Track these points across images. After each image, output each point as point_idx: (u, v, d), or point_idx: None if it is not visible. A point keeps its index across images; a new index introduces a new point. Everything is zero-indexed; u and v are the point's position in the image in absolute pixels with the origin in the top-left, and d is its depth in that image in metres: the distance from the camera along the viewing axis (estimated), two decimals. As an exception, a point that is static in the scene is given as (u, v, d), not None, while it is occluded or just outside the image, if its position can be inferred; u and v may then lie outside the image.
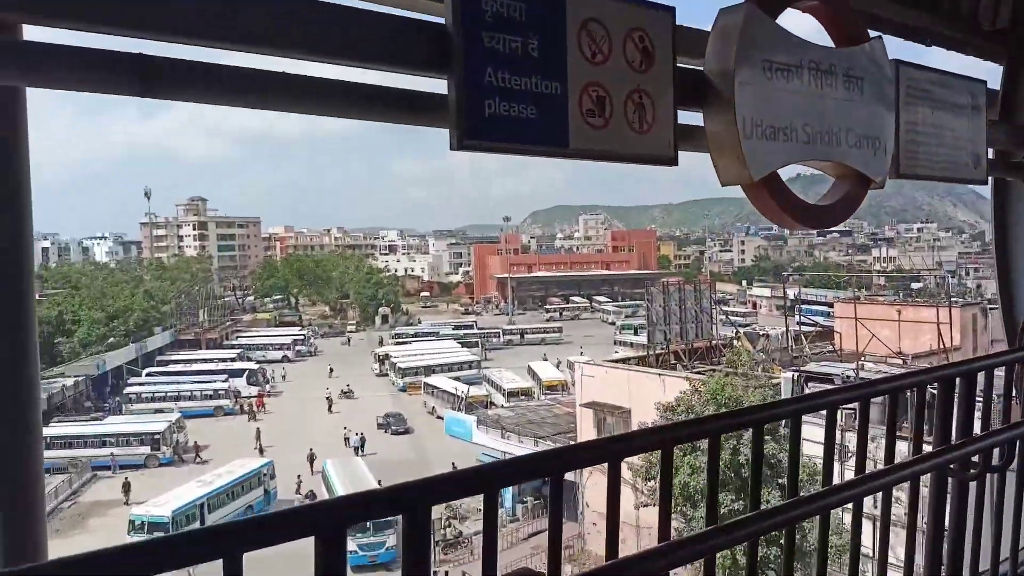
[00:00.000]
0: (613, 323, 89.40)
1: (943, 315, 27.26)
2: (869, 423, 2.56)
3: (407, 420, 48.61)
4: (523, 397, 47.98)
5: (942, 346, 26.57)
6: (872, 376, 23.51)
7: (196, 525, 30.20)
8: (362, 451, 42.58)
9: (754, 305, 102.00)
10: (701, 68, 3.13)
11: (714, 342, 36.66)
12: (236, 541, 1.19)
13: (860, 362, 24.90)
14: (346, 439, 44.31)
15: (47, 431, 43.32)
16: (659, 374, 29.51)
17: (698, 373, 29.46)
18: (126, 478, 37.91)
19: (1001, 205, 5.74)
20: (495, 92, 2.39)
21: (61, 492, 37.67)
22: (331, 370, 66.15)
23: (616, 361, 36.17)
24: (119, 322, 67.68)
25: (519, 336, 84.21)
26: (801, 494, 2.20)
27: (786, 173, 3.71)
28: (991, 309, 34.13)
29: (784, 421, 2.24)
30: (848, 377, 23.94)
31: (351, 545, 28.09)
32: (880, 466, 2.40)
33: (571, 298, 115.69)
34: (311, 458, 40.13)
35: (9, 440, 1.48)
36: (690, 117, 3.19)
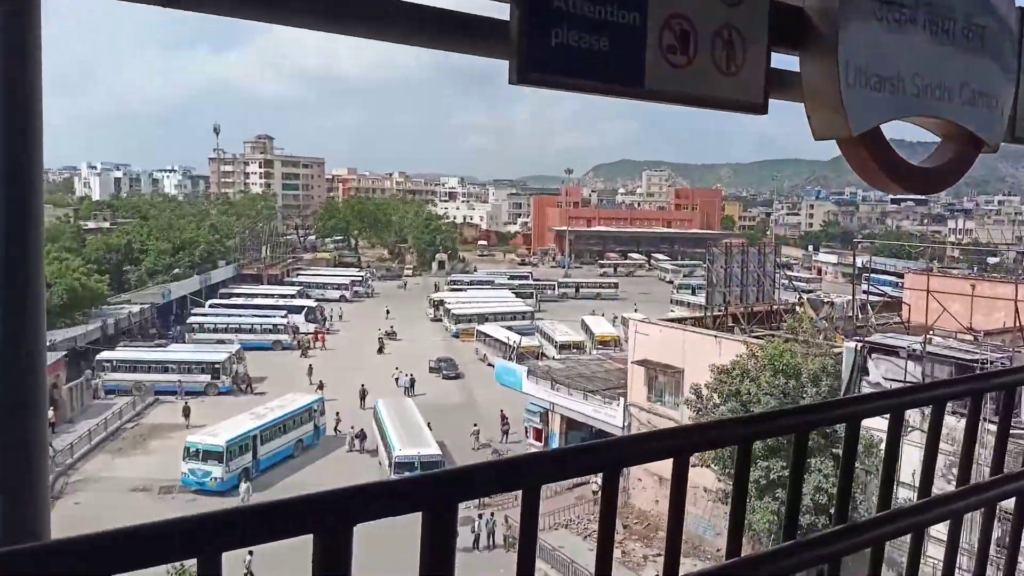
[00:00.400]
0: (671, 282, 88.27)
1: (1021, 292, 25.90)
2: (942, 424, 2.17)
3: (458, 365, 49.09)
4: (575, 350, 47.89)
5: (1019, 324, 25.32)
6: (941, 351, 22.62)
7: (248, 456, 30.32)
8: (411, 392, 43.39)
9: (819, 271, 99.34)
10: (800, 5, 2.73)
11: (775, 307, 35.75)
12: (210, 537, 0.96)
13: (928, 336, 23.90)
14: (396, 379, 45.10)
15: (114, 354, 45.16)
16: (715, 336, 28.95)
17: (756, 337, 28.82)
18: (186, 403, 39.29)
19: None
20: (563, 19, 2.07)
21: (125, 413, 39.24)
22: (387, 311, 67.25)
23: (672, 320, 35.63)
24: (185, 254, 69.52)
25: (574, 290, 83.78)
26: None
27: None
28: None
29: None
30: (915, 350, 23.04)
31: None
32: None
33: (629, 254, 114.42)
34: (362, 394, 41.27)
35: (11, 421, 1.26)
36: (784, 61, 2.81)
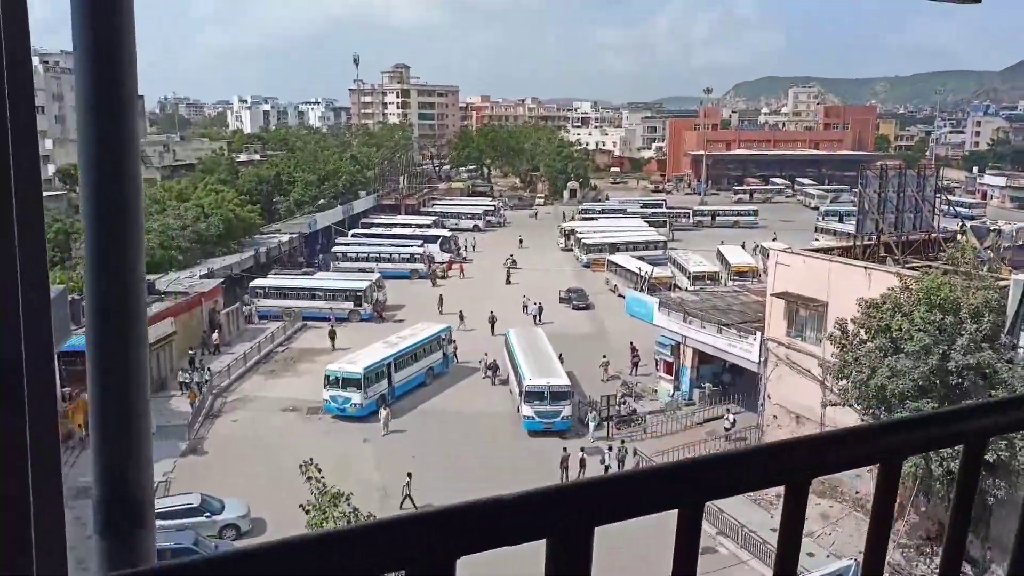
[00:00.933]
0: (816, 208, 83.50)
1: None
2: None
3: (588, 296, 48.87)
4: (709, 282, 46.45)
5: None
6: None
7: (384, 383, 31.71)
8: (539, 320, 44.09)
9: (984, 196, 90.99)
10: None
11: (933, 235, 32.99)
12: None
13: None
14: (524, 307, 46.10)
15: (265, 281, 48.03)
16: (865, 267, 27.04)
17: (911, 269, 26.72)
18: (332, 328, 41.42)
19: None
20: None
21: (276, 338, 41.86)
22: (520, 241, 67.92)
23: (816, 250, 33.69)
24: (329, 185, 72.29)
25: (710, 218, 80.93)
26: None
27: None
28: None
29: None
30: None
31: (528, 411, 29.23)
32: None
33: (771, 179, 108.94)
34: (492, 320, 42.51)
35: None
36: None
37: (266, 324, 43.63)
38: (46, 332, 1.12)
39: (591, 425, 29.49)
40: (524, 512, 0.84)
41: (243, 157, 79.99)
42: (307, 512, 16.19)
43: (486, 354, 36.85)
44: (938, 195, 34.28)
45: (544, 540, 0.85)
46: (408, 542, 0.78)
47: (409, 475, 24.85)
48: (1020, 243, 34.62)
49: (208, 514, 23.45)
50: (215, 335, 40.26)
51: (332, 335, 40.62)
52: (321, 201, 69.90)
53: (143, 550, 1.04)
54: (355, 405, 31.26)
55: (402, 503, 24.28)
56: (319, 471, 16.75)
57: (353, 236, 64.97)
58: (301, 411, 32.46)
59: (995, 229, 38.94)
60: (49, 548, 1.08)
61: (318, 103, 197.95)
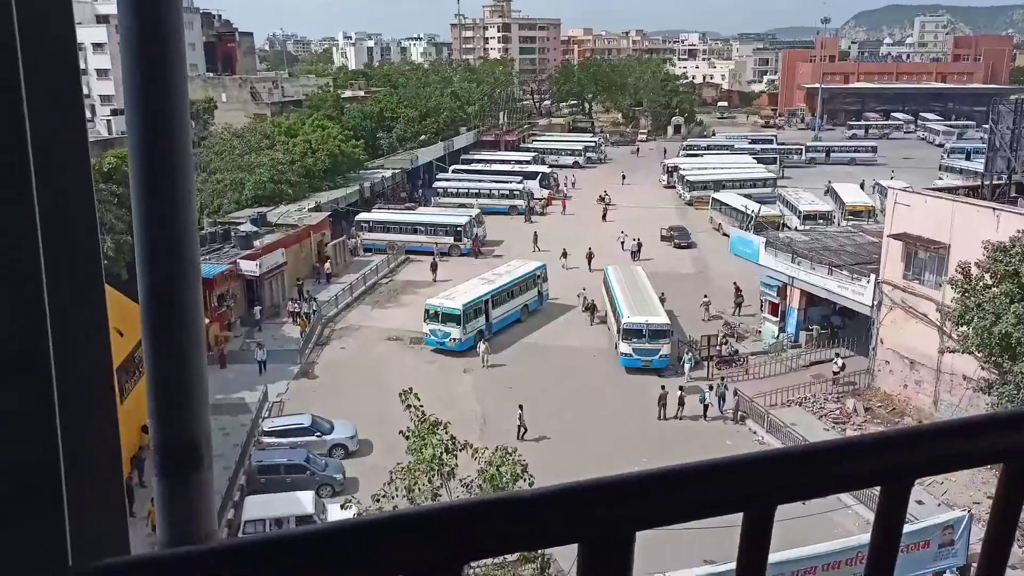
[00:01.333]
0: (940, 145, 78.12)
1: None
2: None
3: (691, 234, 47.77)
4: (821, 221, 44.50)
5: None
6: None
7: (481, 319, 32.21)
8: (638, 256, 43.96)
9: None
10: None
11: (1074, 175, 30.37)
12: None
13: None
14: (621, 243, 46.11)
15: (370, 215, 49.17)
16: (994, 208, 25.23)
17: (1046, 210, 24.76)
18: (435, 260, 42.50)
19: None
20: None
21: (380, 270, 43.03)
22: (623, 176, 67.22)
23: (940, 189, 31.64)
24: (430, 121, 72.72)
25: (824, 154, 77.01)
26: None
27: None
28: None
29: None
30: None
31: (626, 348, 29.11)
32: None
33: (892, 114, 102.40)
34: (589, 256, 42.58)
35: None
36: None
37: (370, 256, 44.83)
38: (101, 316, 1.09)
39: (686, 366, 29.08)
40: (552, 513, 0.72)
41: (348, 93, 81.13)
42: (407, 438, 16.74)
43: (584, 289, 36.72)
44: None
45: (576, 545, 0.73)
46: (406, 546, 0.66)
47: (520, 407, 25.38)
48: None
49: (318, 434, 24.69)
50: (327, 265, 41.79)
51: (434, 267, 41.61)
52: (423, 137, 70.49)
53: (200, 493, 1.03)
54: (454, 340, 31.69)
55: (519, 433, 24.82)
56: (418, 399, 17.22)
57: (453, 172, 65.44)
58: (404, 341, 33.46)
59: None
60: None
61: (420, 39, 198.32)
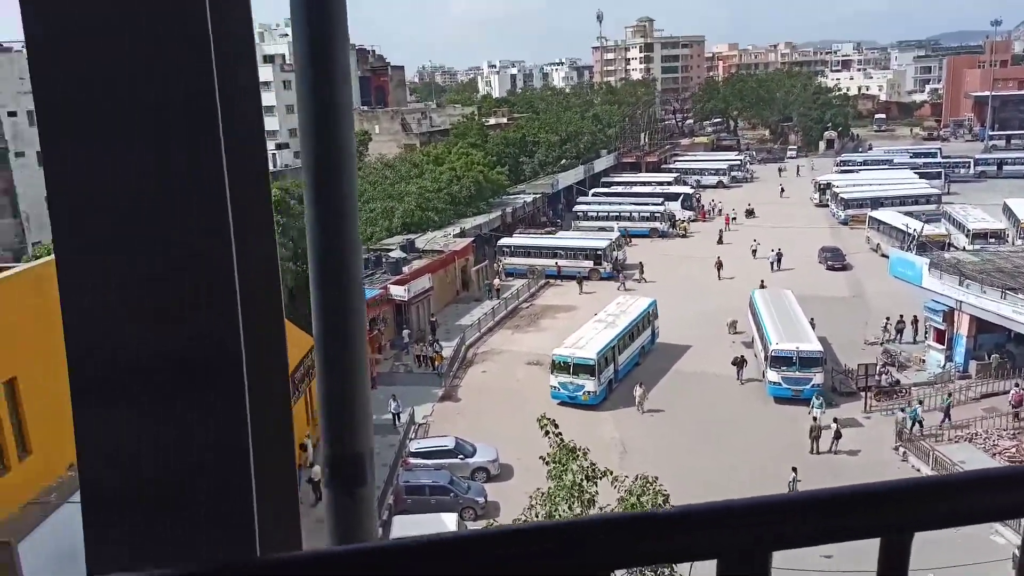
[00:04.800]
0: None
1: None
2: None
3: (845, 255, 45.32)
4: (992, 240, 41.05)
5: None
6: None
7: (611, 368, 30.43)
8: (778, 266, 44.55)
9: None
10: None
11: None
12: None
13: None
14: (753, 251, 47.23)
15: (511, 240, 50.10)
16: None
17: None
18: (580, 277, 44.28)
19: None
20: None
21: (521, 294, 43.65)
22: (782, 190, 67.14)
23: None
24: (571, 145, 73.29)
25: (996, 167, 71.02)
26: None
27: None
28: None
29: None
30: None
31: (775, 376, 27.90)
32: None
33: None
34: (719, 265, 44.16)
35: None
36: None
37: (512, 281, 45.58)
38: (280, 330, 1.21)
39: (815, 410, 26.39)
40: (693, 529, 0.75)
41: (491, 121, 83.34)
42: (547, 463, 16.82)
43: (735, 321, 35.51)
44: None
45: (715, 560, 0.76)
46: (556, 552, 0.71)
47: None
48: None
49: (461, 456, 25.28)
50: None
51: (581, 282, 43.70)
52: (563, 161, 71.09)
53: (365, 505, 1.11)
54: (588, 393, 29.10)
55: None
56: (556, 426, 17.25)
57: (593, 195, 65.52)
58: (543, 364, 33.68)
59: None
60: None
61: (562, 63, 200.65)
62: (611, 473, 16.36)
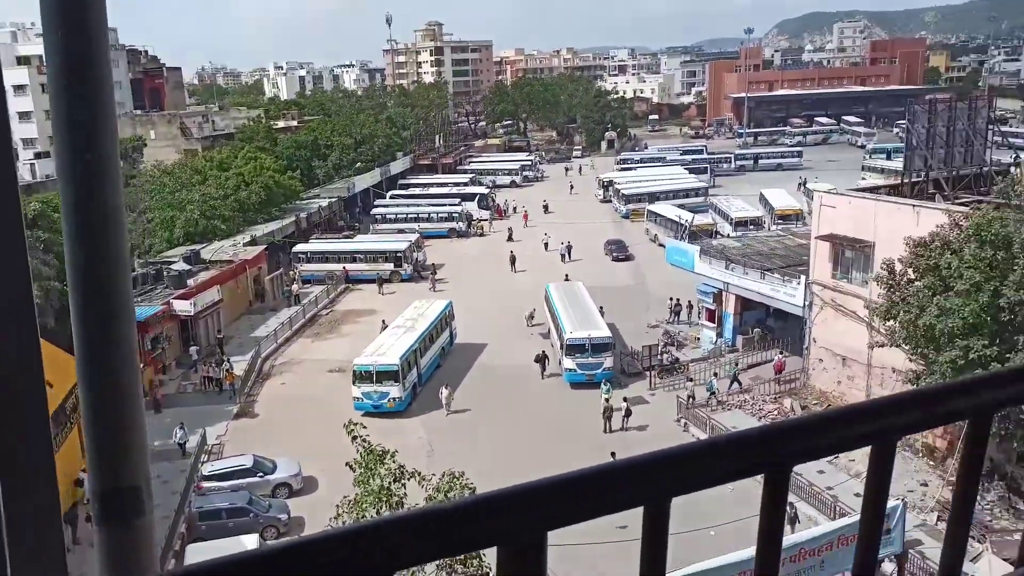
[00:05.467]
0: (862, 147, 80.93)
1: None
2: None
3: (628, 247, 48.45)
4: (752, 227, 45.62)
5: None
6: None
7: (414, 372, 30.19)
8: (569, 258, 47.39)
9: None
10: None
11: (985, 168, 31.75)
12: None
13: None
14: (545, 244, 50.10)
15: (307, 246, 48.60)
16: (913, 205, 26.18)
17: (961, 205, 25.80)
18: (380, 277, 44.00)
19: None
20: None
21: (320, 301, 42.47)
22: (571, 187, 70.89)
23: (862, 189, 32.72)
24: (365, 147, 72.37)
25: (752, 161, 79.14)
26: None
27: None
28: None
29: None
30: None
31: (570, 363, 29.15)
32: None
33: (816, 119, 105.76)
34: (512, 260, 46.33)
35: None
36: None
37: (309, 288, 44.25)
38: (30, 330, 1.08)
39: (604, 387, 28.02)
40: (470, 521, 0.78)
41: (280, 124, 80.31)
42: (353, 470, 16.49)
43: (534, 310, 36.86)
44: (991, 127, 32.92)
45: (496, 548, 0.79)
46: (341, 560, 0.71)
47: (613, 454, 24.63)
48: (1079, 172, 33.03)
49: (261, 474, 24.13)
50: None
51: (381, 284, 43.97)
52: (359, 164, 70.09)
53: (143, 539, 1.03)
54: (394, 399, 28.68)
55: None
56: (364, 429, 16.95)
57: (391, 198, 65.22)
58: (346, 372, 32.96)
59: (1052, 159, 37.18)
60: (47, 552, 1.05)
61: (352, 66, 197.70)
62: (419, 473, 16.34)
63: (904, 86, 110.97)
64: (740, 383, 29.25)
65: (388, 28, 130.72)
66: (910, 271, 22.72)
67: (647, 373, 30.61)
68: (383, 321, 35.57)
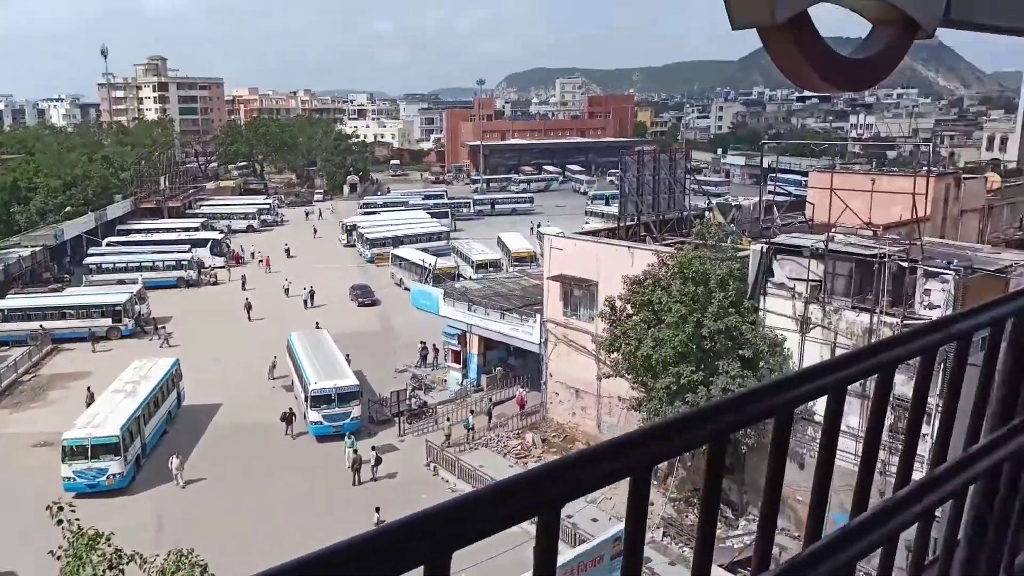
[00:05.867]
0: (585, 193, 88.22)
1: (918, 185, 26.51)
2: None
3: (374, 292, 48.22)
4: (492, 269, 47.55)
5: (915, 216, 26.01)
6: (842, 248, 23.01)
7: (137, 442, 27.22)
8: (311, 303, 46.40)
9: (727, 174, 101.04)
10: None
11: (686, 213, 35.94)
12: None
13: (830, 233, 24.33)
14: (286, 290, 49.02)
15: (5, 303, 42.45)
16: (628, 247, 28.85)
17: (667, 245, 28.90)
18: (92, 333, 39.71)
19: None
20: None
21: (21, 365, 37.13)
22: (315, 231, 69.68)
23: (585, 233, 35.46)
24: (77, 190, 65.18)
25: (490, 206, 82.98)
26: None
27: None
28: (965, 179, 33.56)
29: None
30: (817, 249, 23.43)
31: (316, 416, 28.07)
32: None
33: (544, 167, 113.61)
34: (247, 306, 44.40)
35: None
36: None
37: (8, 351, 38.55)
38: None
39: (347, 440, 27.48)
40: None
41: (-30, 163, 69.85)
42: (58, 559, 14.42)
43: (276, 356, 35.14)
44: (688, 176, 37.37)
45: None
46: None
47: (377, 509, 22.75)
48: (757, 216, 38.65)
49: (-59, 578, 20.26)
50: None
51: (95, 342, 40.04)
52: (68, 208, 62.83)
53: None
54: (114, 476, 25.53)
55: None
56: (73, 510, 14.92)
57: (108, 245, 59.19)
58: (55, 444, 28.96)
59: (736, 205, 43.18)
60: None
61: (61, 100, 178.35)
62: (140, 556, 14.65)
63: (617, 138, 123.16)
64: (491, 416, 30.22)
65: (104, 60, 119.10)
66: (628, 307, 24.95)
67: (396, 419, 30.41)
68: (88, 389, 31.69)
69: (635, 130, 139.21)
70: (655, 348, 23.16)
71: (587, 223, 57.92)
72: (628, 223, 34.32)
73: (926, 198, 26.94)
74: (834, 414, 1.46)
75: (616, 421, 27.28)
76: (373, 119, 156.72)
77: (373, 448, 27.18)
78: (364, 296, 47.64)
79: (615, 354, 24.85)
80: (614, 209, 49.67)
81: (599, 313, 26.56)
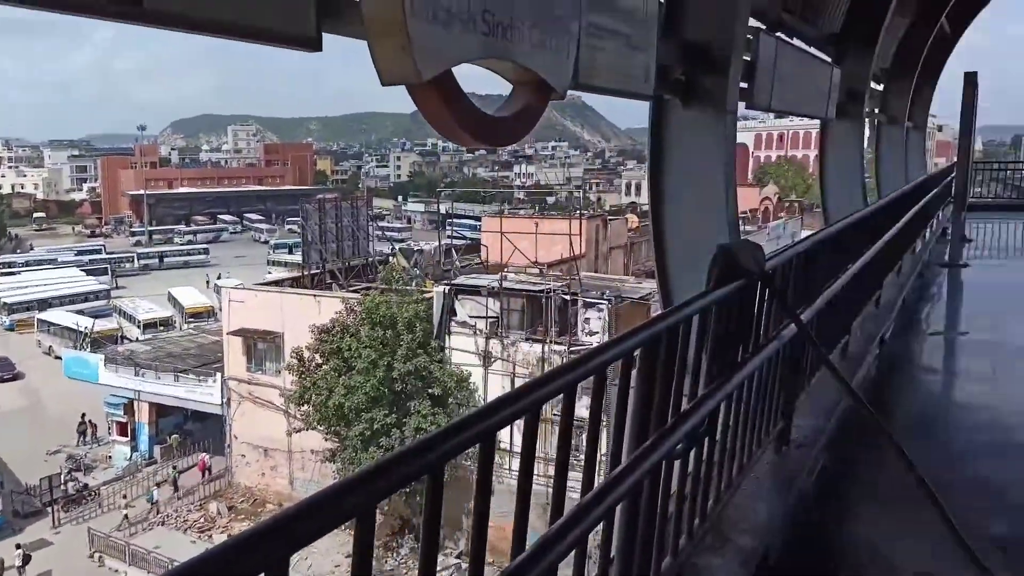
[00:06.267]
0: (267, 242, 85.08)
1: (573, 227, 29.53)
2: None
3: (15, 364, 41.49)
4: (162, 328, 43.53)
5: (572, 254, 28.89)
6: (514, 286, 24.72)
7: None
8: None
9: (409, 220, 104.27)
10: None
11: (370, 259, 36.20)
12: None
13: (503, 273, 26.01)
14: None
15: None
16: (314, 295, 28.23)
17: (355, 292, 28.79)
18: None
19: (658, 122, 5.72)
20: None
21: None
22: None
23: (268, 283, 34.05)
24: None
25: (158, 260, 76.30)
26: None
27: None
28: (611, 220, 38.29)
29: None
30: (493, 287, 24.87)
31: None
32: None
33: (219, 216, 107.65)
34: None
35: None
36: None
37: None
38: None
39: None
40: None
41: None
42: None
43: None
44: (371, 223, 37.80)
45: None
46: None
47: None
48: (438, 259, 40.16)
49: None
50: None
51: None
52: None
53: None
54: None
55: None
56: None
57: None
58: None
59: (419, 249, 44.52)
60: None
61: None
62: None
63: (298, 186, 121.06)
64: (176, 485, 27.52)
65: None
66: (317, 356, 24.33)
67: (49, 508, 26.12)
68: None
69: (316, 178, 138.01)
70: (347, 396, 22.80)
71: (270, 273, 55.66)
72: (313, 271, 33.69)
73: (580, 238, 30.20)
74: (532, 431, 1.62)
75: (310, 476, 26.20)
76: (11, 167, 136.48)
77: (18, 546, 23.00)
78: (3, 370, 40.75)
79: (305, 406, 24.04)
80: (298, 258, 48.54)
81: (286, 365, 25.53)
